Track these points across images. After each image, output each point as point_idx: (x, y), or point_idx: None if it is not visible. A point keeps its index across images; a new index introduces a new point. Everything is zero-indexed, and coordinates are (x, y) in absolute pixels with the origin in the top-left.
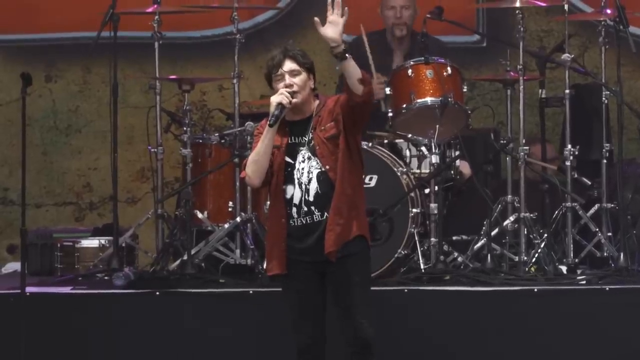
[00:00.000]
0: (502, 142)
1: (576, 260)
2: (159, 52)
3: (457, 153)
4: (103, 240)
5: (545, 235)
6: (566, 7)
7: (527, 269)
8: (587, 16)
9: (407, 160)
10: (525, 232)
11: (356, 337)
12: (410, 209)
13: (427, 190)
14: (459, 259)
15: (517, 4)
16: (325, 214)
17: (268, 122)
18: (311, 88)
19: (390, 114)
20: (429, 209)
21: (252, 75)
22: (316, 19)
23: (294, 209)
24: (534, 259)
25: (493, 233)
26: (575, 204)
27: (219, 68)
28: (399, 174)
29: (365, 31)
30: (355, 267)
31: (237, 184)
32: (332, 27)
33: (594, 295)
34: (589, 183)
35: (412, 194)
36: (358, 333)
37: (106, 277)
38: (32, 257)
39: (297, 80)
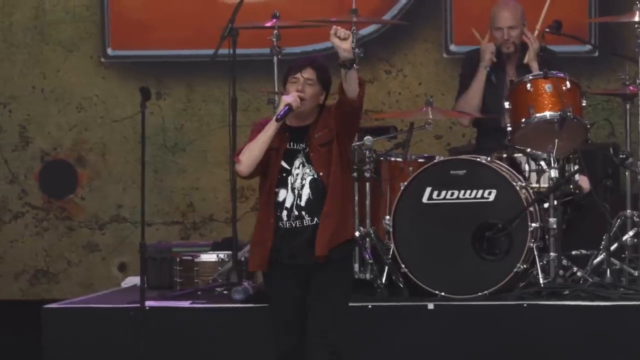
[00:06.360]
0: (621, 156)
1: None
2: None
3: (577, 167)
4: (222, 254)
5: None
6: None
7: None
8: None
9: (526, 175)
10: None
11: (323, 349)
12: (529, 224)
13: (546, 205)
14: (578, 273)
15: (637, 19)
16: (316, 219)
17: (275, 117)
18: (319, 103)
19: (509, 129)
20: (548, 224)
21: None
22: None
23: (285, 212)
24: None
25: (612, 248)
26: None
27: None
28: (517, 188)
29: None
30: (337, 275)
31: (356, 198)
32: (346, 41)
33: None
34: None
35: (531, 209)
36: (326, 345)
37: (225, 292)
38: (152, 271)
39: (310, 89)
